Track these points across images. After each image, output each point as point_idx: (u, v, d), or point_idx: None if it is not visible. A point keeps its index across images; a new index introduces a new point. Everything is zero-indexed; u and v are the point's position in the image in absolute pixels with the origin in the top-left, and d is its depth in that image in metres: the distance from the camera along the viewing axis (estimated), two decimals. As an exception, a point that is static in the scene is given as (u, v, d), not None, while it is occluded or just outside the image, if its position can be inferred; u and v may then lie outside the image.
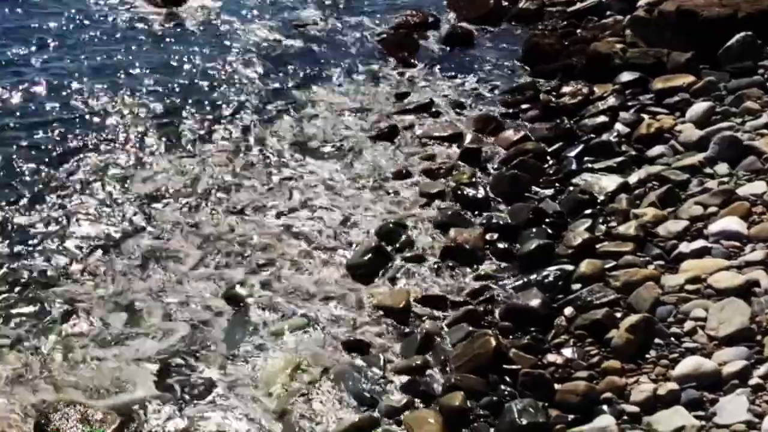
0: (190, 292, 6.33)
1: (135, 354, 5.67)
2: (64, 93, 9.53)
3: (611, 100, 8.91)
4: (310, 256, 6.84)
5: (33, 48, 10.69)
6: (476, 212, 7.41)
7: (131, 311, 6.12)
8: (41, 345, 5.70)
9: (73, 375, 5.45)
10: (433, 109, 9.52)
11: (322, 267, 6.71)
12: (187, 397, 5.35)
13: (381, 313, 6.15)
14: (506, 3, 12.84)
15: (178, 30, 11.64)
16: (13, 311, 6.00)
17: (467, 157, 8.37)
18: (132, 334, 5.87)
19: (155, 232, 7.05)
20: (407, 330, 5.98)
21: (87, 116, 8.99)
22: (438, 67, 10.76)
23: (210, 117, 9.20)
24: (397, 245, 6.94)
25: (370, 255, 6.73)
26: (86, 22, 11.71)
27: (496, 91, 10.00)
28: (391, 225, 7.18)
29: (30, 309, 6.06)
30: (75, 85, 9.71)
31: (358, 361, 5.64)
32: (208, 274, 6.58)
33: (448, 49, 11.36)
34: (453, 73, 10.54)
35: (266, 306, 6.22)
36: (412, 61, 10.90)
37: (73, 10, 12.03)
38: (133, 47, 10.96)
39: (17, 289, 6.25)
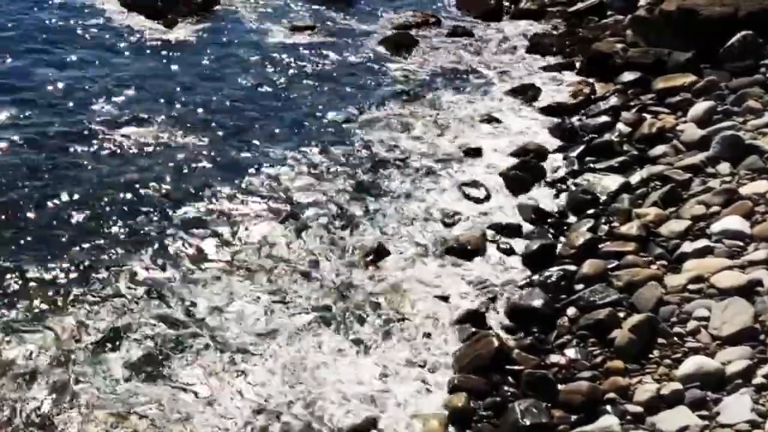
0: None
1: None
2: (64, 103, 9.33)
3: (613, 100, 8.93)
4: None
5: (27, 60, 10.59)
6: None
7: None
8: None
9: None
10: (437, 109, 9.52)
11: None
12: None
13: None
14: (507, 2, 12.85)
15: (177, 41, 11.52)
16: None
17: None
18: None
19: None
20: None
21: (85, 128, 8.84)
22: (439, 66, 10.75)
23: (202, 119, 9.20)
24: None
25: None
26: (80, 37, 11.56)
27: (498, 90, 9.99)
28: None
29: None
30: (73, 97, 9.50)
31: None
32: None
33: (449, 48, 11.35)
34: (454, 73, 10.54)
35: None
36: (414, 60, 10.90)
37: (63, 23, 11.93)
38: (133, 58, 10.90)
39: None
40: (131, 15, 12.16)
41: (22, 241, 6.88)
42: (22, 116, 9.00)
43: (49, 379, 5.46)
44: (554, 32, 11.70)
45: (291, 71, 10.53)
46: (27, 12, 12.01)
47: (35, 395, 5.34)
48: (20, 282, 6.37)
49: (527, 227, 7.11)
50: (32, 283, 6.38)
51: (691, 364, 4.93)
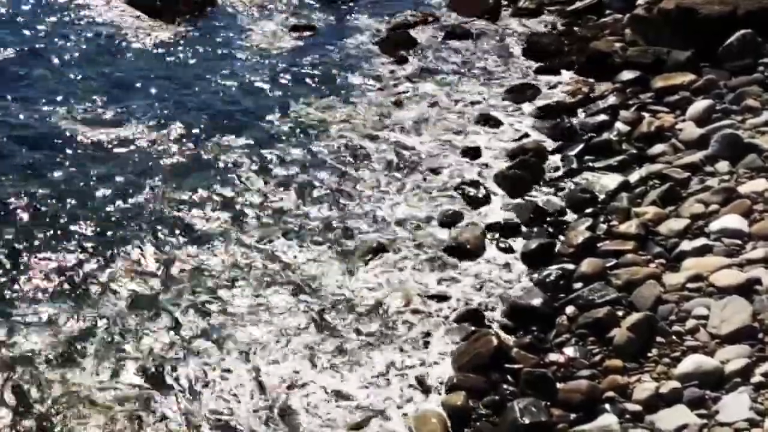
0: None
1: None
2: (60, 108, 9.18)
3: (612, 99, 8.93)
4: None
5: (19, 56, 10.46)
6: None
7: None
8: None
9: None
10: (435, 108, 9.51)
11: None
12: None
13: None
14: (505, 1, 12.84)
15: (174, 39, 11.48)
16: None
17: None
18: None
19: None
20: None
21: (82, 129, 8.73)
22: (438, 65, 10.74)
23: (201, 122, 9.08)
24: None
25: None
26: (77, 35, 11.45)
27: (496, 90, 9.98)
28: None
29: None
30: (72, 99, 9.38)
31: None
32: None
33: (447, 47, 11.34)
34: (453, 72, 10.53)
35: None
36: (412, 59, 10.88)
37: (61, 22, 11.83)
38: (130, 58, 10.84)
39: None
40: (129, 13, 12.09)
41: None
42: (12, 113, 8.95)
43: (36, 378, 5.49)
44: (553, 31, 11.68)
45: (288, 71, 10.48)
46: (20, 9, 11.93)
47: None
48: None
49: (526, 226, 7.11)
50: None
51: (690, 362, 4.93)
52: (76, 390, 5.39)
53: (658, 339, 5.23)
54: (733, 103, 7.84)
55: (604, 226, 6.71)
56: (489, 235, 7.00)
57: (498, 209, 7.47)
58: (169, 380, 5.52)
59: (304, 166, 8.20)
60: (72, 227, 7.10)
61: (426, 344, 5.82)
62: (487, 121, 9.09)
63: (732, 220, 6.06)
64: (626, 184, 7.27)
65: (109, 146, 8.46)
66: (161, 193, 7.66)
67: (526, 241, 6.85)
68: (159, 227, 7.15)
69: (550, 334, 5.68)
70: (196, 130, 8.82)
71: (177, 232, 7.11)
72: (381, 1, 13.15)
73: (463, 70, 10.59)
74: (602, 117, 8.61)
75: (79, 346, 5.79)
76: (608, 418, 4.75)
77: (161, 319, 6.09)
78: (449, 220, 7.24)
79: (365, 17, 12.45)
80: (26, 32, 11.19)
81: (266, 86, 10.05)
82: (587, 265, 6.12)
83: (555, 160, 8.17)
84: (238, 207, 7.50)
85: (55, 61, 10.40)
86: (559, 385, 5.12)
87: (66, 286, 6.41)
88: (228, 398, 5.37)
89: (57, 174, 7.89)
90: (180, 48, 11.09)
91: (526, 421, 4.81)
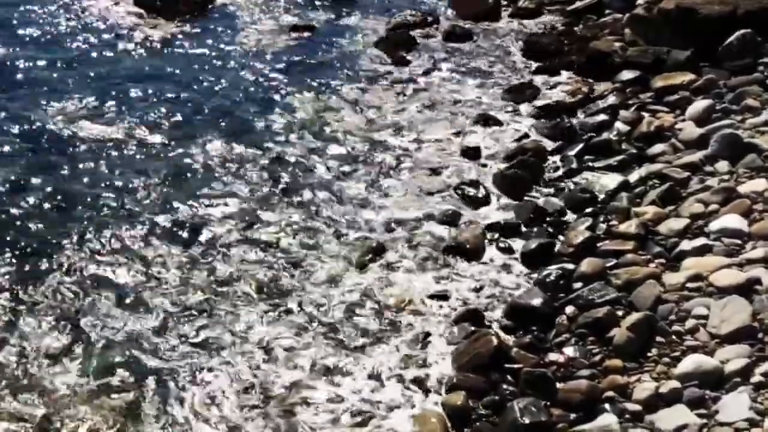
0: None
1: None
2: (59, 106, 9.19)
3: (611, 99, 8.93)
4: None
5: (15, 53, 10.51)
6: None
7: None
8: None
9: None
10: (435, 109, 9.52)
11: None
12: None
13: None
14: (505, 1, 12.84)
15: (172, 37, 11.49)
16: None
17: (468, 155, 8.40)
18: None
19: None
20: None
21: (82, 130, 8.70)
22: (437, 65, 10.75)
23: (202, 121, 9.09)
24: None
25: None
26: (76, 31, 11.46)
27: (496, 90, 9.98)
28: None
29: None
30: (68, 96, 9.40)
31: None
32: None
33: (447, 47, 11.35)
34: (453, 72, 10.54)
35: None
36: (411, 60, 10.88)
37: (62, 18, 11.83)
38: (127, 56, 10.86)
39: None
40: (129, 12, 12.11)
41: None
42: (12, 112, 8.94)
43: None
44: (552, 31, 11.69)
45: (287, 71, 10.49)
46: (20, 7, 11.93)
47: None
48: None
49: (526, 226, 7.10)
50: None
51: (690, 362, 4.93)
52: (74, 389, 5.39)
53: (658, 339, 5.23)
54: (732, 103, 7.85)
55: (603, 226, 6.71)
56: (489, 235, 7.00)
57: (497, 209, 7.47)
58: (167, 381, 5.50)
59: (303, 167, 8.21)
60: (68, 225, 7.09)
61: (426, 344, 5.82)
62: (487, 121, 9.10)
63: (732, 220, 6.06)
64: (626, 183, 7.27)
65: (107, 144, 8.46)
66: (159, 192, 7.66)
67: (525, 241, 6.85)
68: (156, 226, 7.14)
69: (550, 334, 5.67)
70: (193, 129, 8.84)
71: (174, 231, 7.11)
72: (381, 1, 13.17)
73: (462, 70, 10.60)
74: (602, 117, 8.62)
75: (76, 346, 5.77)
76: (608, 418, 4.75)
77: (158, 318, 6.08)
78: (449, 220, 7.24)
79: (365, 17, 12.46)
80: (27, 30, 11.23)
81: (265, 86, 10.07)
82: (587, 264, 6.12)
83: (555, 160, 8.17)
84: (235, 206, 7.49)
85: (55, 59, 10.42)
86: (559, 385, 5.11)
87: (64, 284, 6.40)
88: (227, 399, 5.36)
89: (55, 172, 7.90)
90: (179, 47, 11.11)
91: (526, 420, 4.80)
